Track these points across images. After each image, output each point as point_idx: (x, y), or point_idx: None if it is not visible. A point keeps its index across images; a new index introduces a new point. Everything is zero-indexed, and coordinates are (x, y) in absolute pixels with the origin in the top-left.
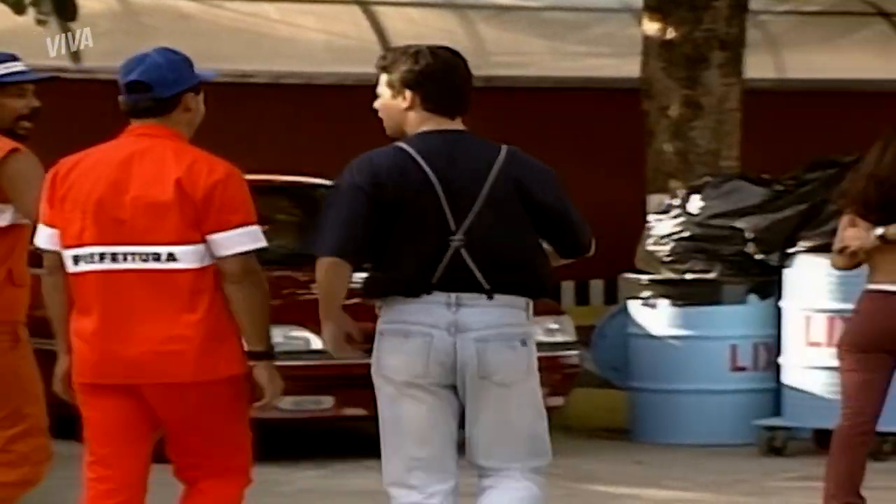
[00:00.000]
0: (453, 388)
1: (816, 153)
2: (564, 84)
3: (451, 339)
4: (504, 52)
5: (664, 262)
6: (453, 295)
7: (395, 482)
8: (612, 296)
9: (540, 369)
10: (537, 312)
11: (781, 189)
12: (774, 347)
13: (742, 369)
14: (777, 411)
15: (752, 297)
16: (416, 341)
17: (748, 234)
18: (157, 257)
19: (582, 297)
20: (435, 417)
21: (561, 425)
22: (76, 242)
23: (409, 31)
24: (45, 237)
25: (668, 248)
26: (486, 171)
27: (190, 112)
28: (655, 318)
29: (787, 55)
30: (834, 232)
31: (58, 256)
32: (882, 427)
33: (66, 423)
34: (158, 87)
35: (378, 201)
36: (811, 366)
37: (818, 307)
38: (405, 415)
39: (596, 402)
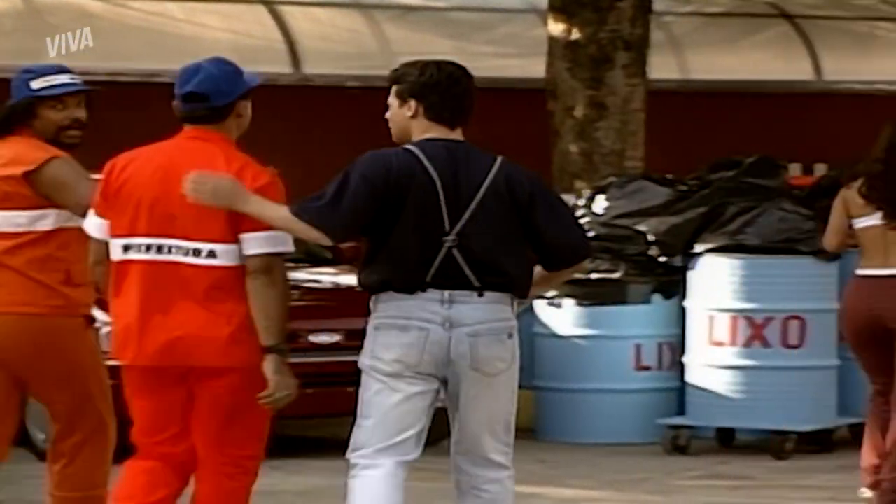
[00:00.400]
0: (441, 378)
1: (719, 153)
2: None
3: (446, 334)
4: (410, 52)
5: None
6: (446, 292)
7: (362, 454)
8: None
9: None
10: None
11: (685, 189)
12: (678, 347)
13: (646, 368)
14: (681, 410)
15: (657, 297)
16: (412, 334)
17: (650, 237)
18: (197, 253)
19: None
20: (418, 406)
21: None
22: (128, 232)
23: (314, 31)
24: (94, 226)
25: None
26: (482, 178)
27: (241, 118)
28: (560, 317)
29: (690, 56)
30: (737, 232)
31: (105, 246)
32: (783, 426)
33: None
34: (214, 97)
35: (384, 194)
36: (714, 365)
37: (721, 307)
38: (392, 405)
39: None
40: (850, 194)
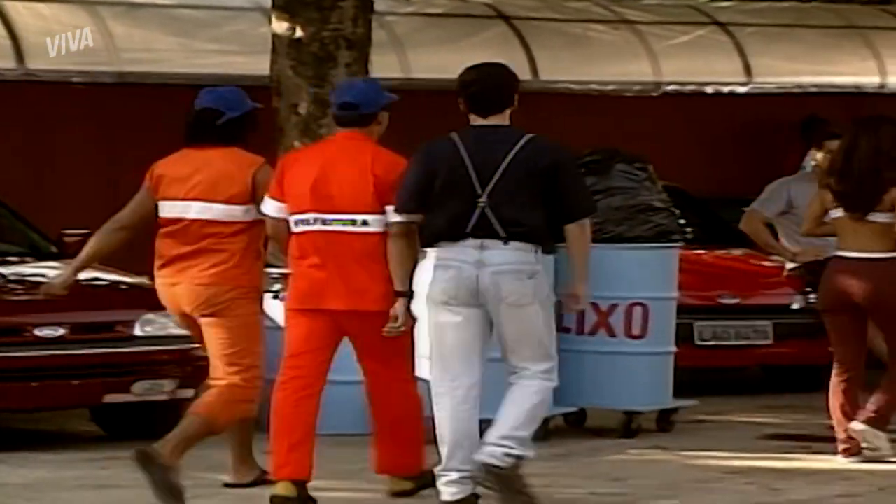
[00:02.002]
0: (480, 307)
1: None
2: (196, 81)
3: (475, 272)
4: (135, 48)
5: None
6: (480, 240)
7: (433, 373)
8: None
9: (172, 362)
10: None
11: None
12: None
13: None
14: None
15: None
16: (450, 272)
17: None
18: (353, 222)
19: None
20: (465, 328)
21: None
22: (299, 210)
23: (37, 26)
24: (272, 208)
25: None
26: (506, 153)
27: (381, 125)
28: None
29: (412, 55)
30: None
31: (283, 223)
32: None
33: None
34: (364, 106)
35: (428, 171)
36: None
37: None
38: (440, 327)
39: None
40: (826, 191)
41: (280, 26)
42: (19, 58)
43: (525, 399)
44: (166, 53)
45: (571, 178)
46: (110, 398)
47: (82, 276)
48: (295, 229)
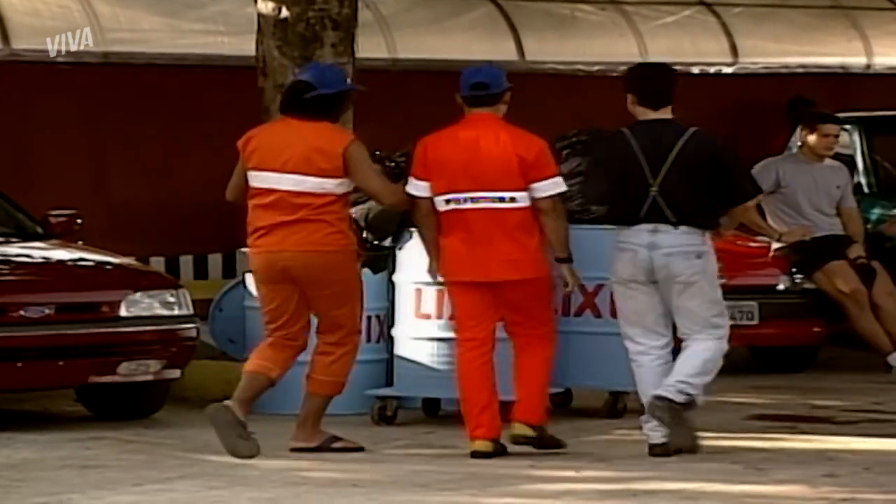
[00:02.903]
0: (656, 283)
1: (427, 131)
2: (182, 61)
3: (648, 254)
4: (121, 28)
5: None
6: (652, 225)
7: (626, 338)
8: (231, 270)
9: (157, 342)
10: (155, 287)
11: (393, 166)
12: (388, 320)
13: None
14: (389, 381)
15: (367, 271)
16: (627, 254)
17: (362, 223)
18: (502, 199)
19: (200, 271)
20: (644, 301)
21: (178, 397)
22: (448, 190)
23: (23, 6)
24: (419, 188)
25: None
26: (673, 145)
27: (505, 104)
28: None
29: (398, 35)
30: None
31: (428, 202)
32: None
33: None
34: (493, 87)
35: (608, 165)
36: (421, 337)
37: (429, 281)
38: (627, 301)
39: (213, 373)
40: None
41: (266, 6)
42: (4, 37)
43: (697, 354)
44: (151, 33)
45: (734, 168)
46: (96, 378)
47: (68, 256)
48: (444, 208)
